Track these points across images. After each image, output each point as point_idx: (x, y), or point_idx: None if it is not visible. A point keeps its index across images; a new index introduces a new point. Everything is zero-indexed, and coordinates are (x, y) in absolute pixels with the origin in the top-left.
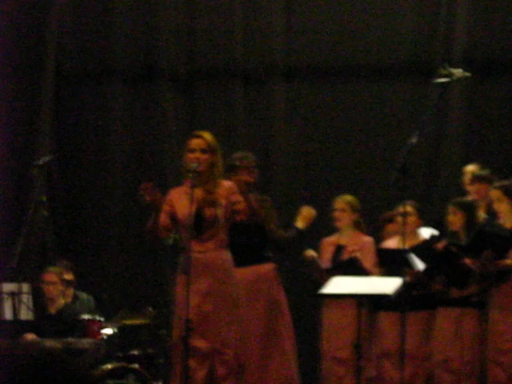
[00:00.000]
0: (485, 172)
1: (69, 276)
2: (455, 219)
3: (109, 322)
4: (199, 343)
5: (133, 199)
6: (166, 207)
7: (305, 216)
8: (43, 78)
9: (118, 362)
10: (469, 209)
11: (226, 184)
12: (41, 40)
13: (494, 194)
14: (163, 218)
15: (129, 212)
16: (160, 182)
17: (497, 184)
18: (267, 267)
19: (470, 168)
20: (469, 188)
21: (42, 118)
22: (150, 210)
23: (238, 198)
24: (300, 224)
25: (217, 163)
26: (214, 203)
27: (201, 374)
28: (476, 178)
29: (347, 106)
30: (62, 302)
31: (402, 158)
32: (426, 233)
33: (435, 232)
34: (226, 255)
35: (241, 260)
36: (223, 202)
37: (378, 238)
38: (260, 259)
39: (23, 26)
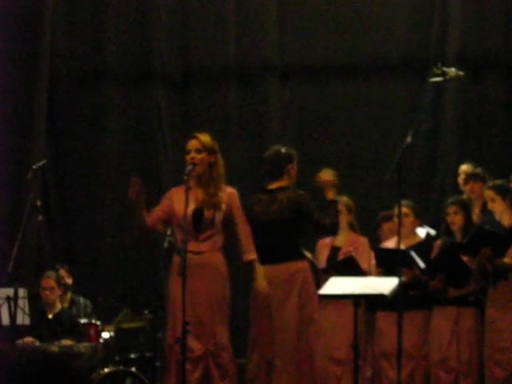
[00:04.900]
0: (478, 170)
1: (67, 280)
2: (457, 218)
3: (107, 325)
4: (194, 345)
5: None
6: (163, 206)
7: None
8: (37, 82)
9: (116, 366)
10: (467, 208)
11: (228, 190)
12: (35, 44)
13: (488, 194)
14: (155, 213)
15: (124, 214)
16: (155, 182)
17: (490, 184)
18: (302, 264)
19: (464, 168)
20: (463, 187)
21: (37, 121)
22: (133, 206)
23: (237, 209)
24: (330, 195)
25: (216, 164)
26: (214, 206)
27: (195, 375)
28: (469, 177)
29: (341, 105)
30: (59, 306)
31: (397, 157)
32: (421, 232)
33: (432, 231)
34: (221, 257)
35: (276, 257)
36: (223, 206)
37: (375, 236)
38: (295, 256)
39: (17, 31)
